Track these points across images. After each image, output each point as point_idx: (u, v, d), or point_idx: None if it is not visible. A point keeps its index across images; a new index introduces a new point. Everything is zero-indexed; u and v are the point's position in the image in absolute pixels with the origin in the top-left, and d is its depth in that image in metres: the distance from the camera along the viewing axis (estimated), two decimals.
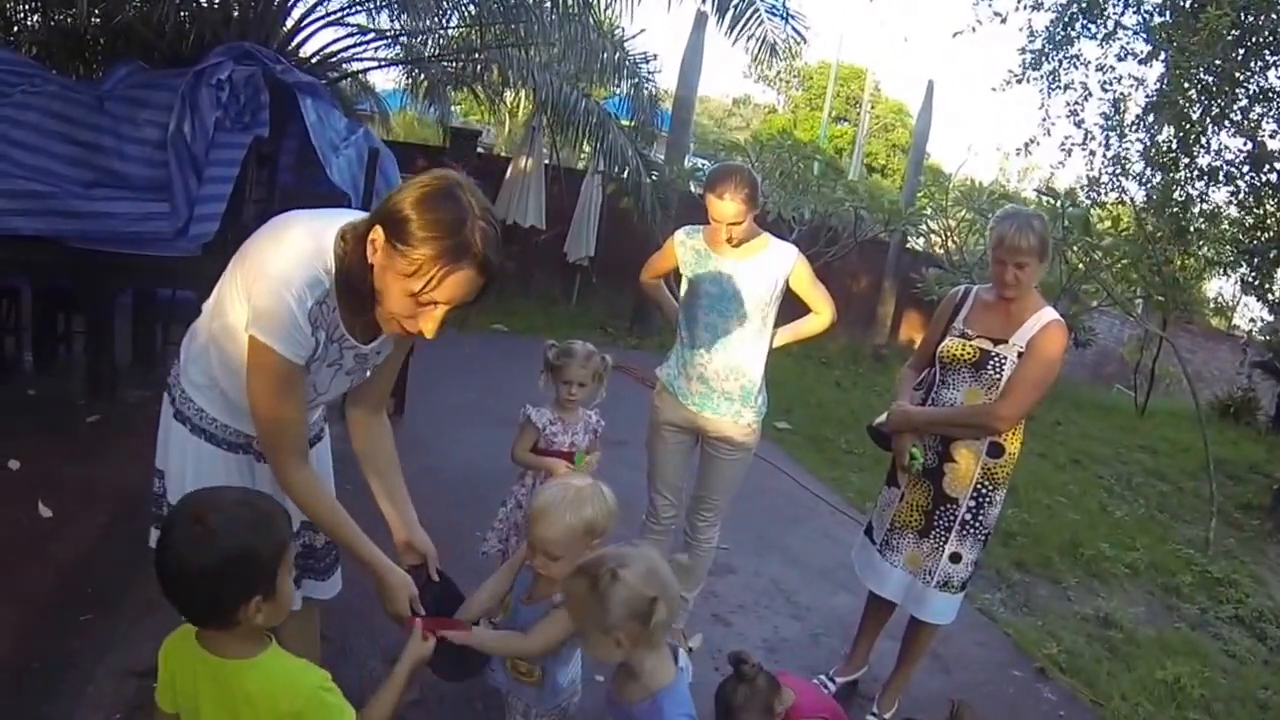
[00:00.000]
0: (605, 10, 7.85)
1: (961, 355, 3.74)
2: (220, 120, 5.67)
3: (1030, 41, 12.20)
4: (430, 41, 9.28)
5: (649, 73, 10.83)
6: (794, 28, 8.55)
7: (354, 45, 8.05)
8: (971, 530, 3.79)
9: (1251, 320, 17.67)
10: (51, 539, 4.30)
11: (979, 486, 3.75)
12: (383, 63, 9.09)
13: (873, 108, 29.76)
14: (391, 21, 8.54)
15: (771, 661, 4.26)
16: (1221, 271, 13.92)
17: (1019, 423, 3.74)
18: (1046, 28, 12.00)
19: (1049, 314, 3.66)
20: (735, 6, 7.87)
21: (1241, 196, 11.79)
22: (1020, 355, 3.62)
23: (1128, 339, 18.41)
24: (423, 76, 10.32)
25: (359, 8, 7.95)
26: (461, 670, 2.58)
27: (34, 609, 3.71)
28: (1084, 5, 11.54)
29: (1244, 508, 9.88)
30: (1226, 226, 12.44)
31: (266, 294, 2.11)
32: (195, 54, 6.43)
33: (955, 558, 3.81)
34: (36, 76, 5.87)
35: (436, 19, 8.27)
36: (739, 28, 8.11)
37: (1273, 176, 11.31)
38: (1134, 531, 8.07)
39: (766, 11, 8.18)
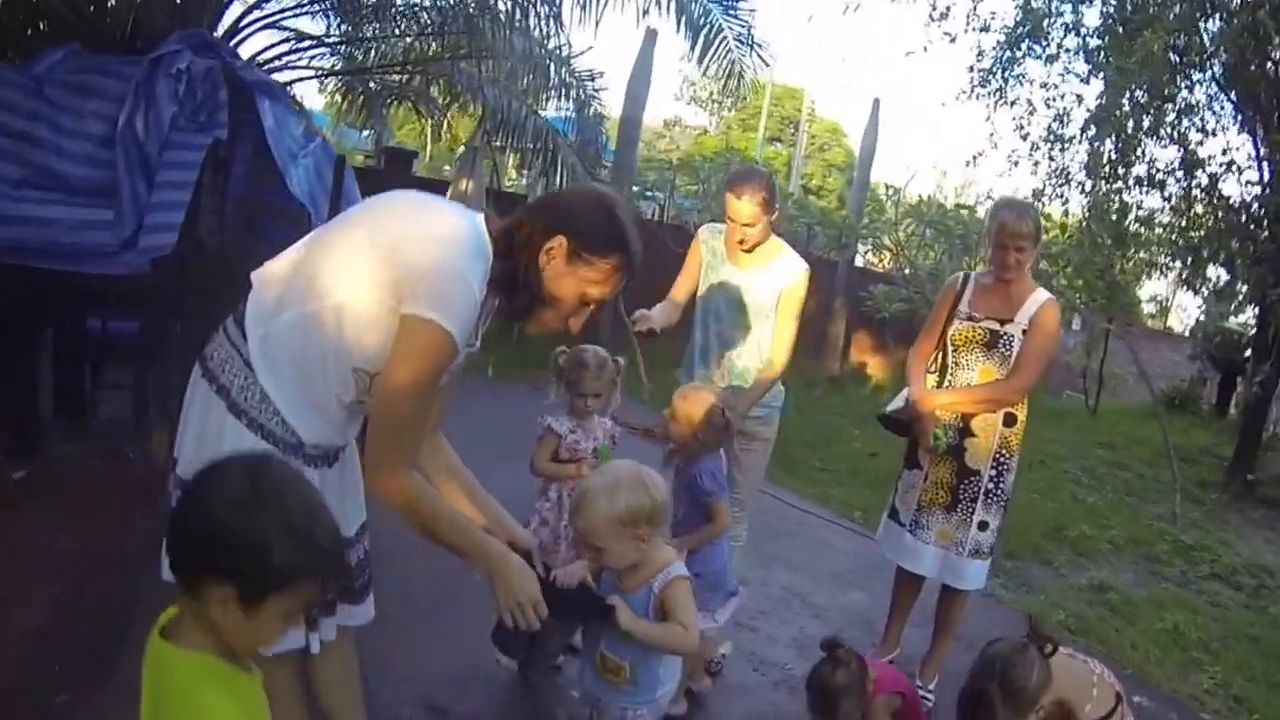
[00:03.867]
0: (555, 24, 7.75)
1: (973, 337, 4.09)
2: (174, 117, 5.13)
3: (979, 60, 12.80)
4: (374, 52, 9.15)
5: (595, 90, 10.79)
6: (759, 55, 8.68)
7: (290, 52, 7.85)
8: (995, 498, 4.11)
9: (1189, 317, 18.54)
10: None
11: (998, 455, 4.09)
12: (320, 73, 8.87)
13: (809, 127, 30.17)
14: (334, 28, 8.36)
15: (804, 659, 4.36)
16: (1159, 272, 14.52)
17: (1029, 392, 4.14)
18: (994, 47, 12.64)
19: (1044, 294, 4.09)
20: (705, 34, 7.97)
21: (1174, 201, 12.57)
22: (1025, 332, 4.01)
23: (1074, 346, 18.92)
24: (360, 92, 10.08)
25: (300, 9, 7.73)
26: (543, 651, 2.54)
27: None
28: (1029, 28, 12.19)
29: (1201, 485, 11.04)
30: (1161, 230, 13.05)
31: (442, 274, 2.12)
32: (126, 47, 5.85)
33: (983, 525, 4.11)
34: None
35: (380, 25, 8.13)
36: (709, 55, 8.18)
37: (1203, 179, 12.15)
38: (1107, 513, 8.83)
39: (734, 39, 8.28)
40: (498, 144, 10.29)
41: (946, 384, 4.18)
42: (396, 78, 9.79)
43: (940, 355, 4.25)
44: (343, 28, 8.47)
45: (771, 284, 4.09)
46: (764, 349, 4.15)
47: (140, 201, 5.04)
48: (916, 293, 12.95)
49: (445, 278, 2.12)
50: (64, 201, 4.97)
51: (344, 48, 9.00)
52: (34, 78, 5.08)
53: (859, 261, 17.24)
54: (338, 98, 10.37)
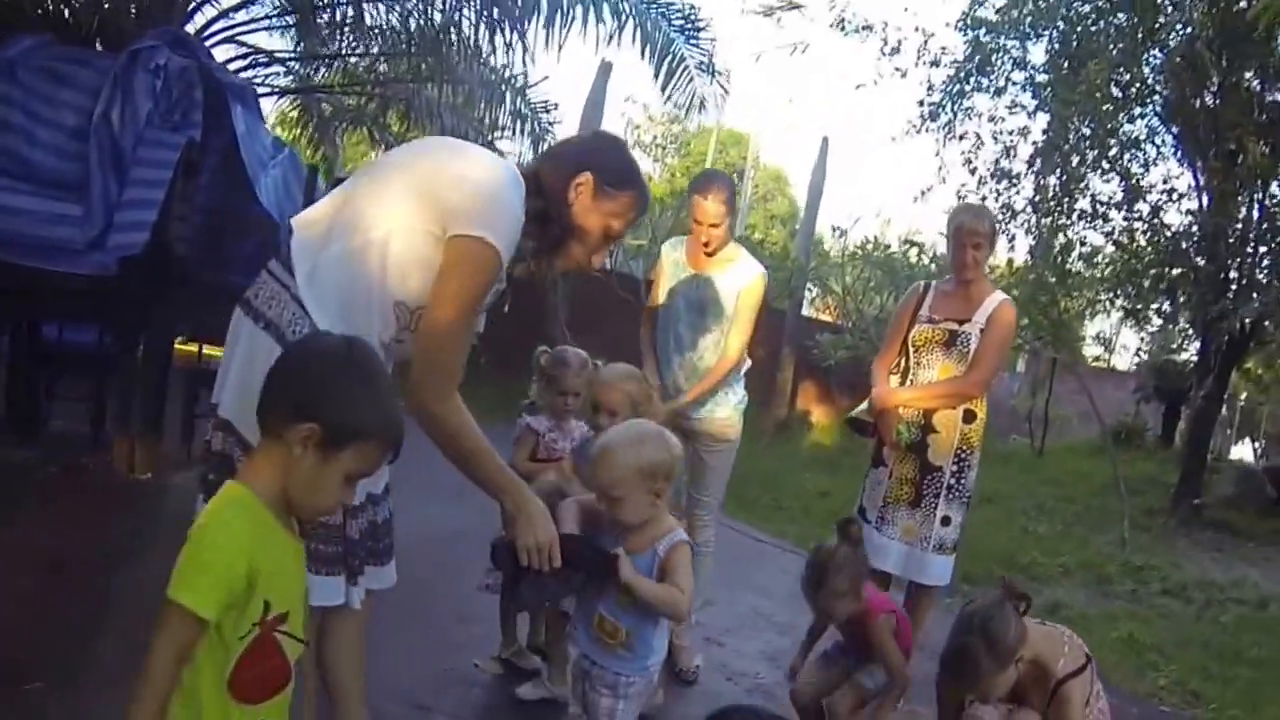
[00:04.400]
0: (521, 47, 7.83)
1: (933, 338, 4.27)
2: (150, 114, 5.12)
3: (929, 94, 13.21)
4: (333, 70, 9.24)
5: (549, 123, 10.82)
6: (719, 84, 8.90)
7: (248, 67, 7.90)
8: (957, 493, 4.23)
9: (1134, 353, 19.10)
10: None
11: (960, 451, 4.22)
12: (276, 90, 8.89)
13: (753, 174, 30.48)
14: (292, 45, 8.40)
15: (774, 668, 4.56)
16: (1103, 309, 14.91)
17: (989, 387, 4.33)
18: (944, 81, 13.06)
19: (1000, 295, 4.32)
20: (668, 63, 8.14)
21: (1117, 235, 13.07)
22: (982, 331, 4.19)
23: (1018, 389, 19.30)
24: (313, 117, 10.08)
25: (260, 24, 7.80)
26: (529, 599, 2.69)
27: None
28: (978, 62, 12.64)
29: (1149, 512, 11.29)
30: (1105, 265, 13.60)
31: (487, 197, 2.29)
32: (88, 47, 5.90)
33: (946, 521, 4.22)
34: None
35: (346, 43, 8.19)
36: (672, 83, 8.36)
37: (1144, 209, 12.67)
38: (1057, 542, 9.07)
39: (696, 68, 8.48)
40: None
41: (909, 383, 4.32)
42: (353, 100, 9.85)
43: (902, 359, 4.39)
44: (301, 46, 8.53)
45: (731, 284, 4.23)
46: (717, 348, 4.29)
47: (110, 199, 5.02)
48: (862, 339, 13.16)
49: (491, 200, 2.29)
50: (33, 192, 4.95)
51: (300, 66, 9.06)
52: (7, 61, 5.06)
53: (806, 309, 17.41)
54: (292, 117, 10.40)
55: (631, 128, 30.84)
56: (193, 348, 6.88)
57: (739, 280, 4.22)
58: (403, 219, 2.28)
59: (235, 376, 2.30)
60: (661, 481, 2.51)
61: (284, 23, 8.15)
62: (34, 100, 5.06)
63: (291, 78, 9.30)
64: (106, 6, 6.40)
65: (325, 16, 7.88)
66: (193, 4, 7.02)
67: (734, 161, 30.80)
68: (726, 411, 4.32)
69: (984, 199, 13.02)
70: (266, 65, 8.36)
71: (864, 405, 4.42)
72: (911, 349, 4.32)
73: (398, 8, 7.29)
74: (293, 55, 8.85)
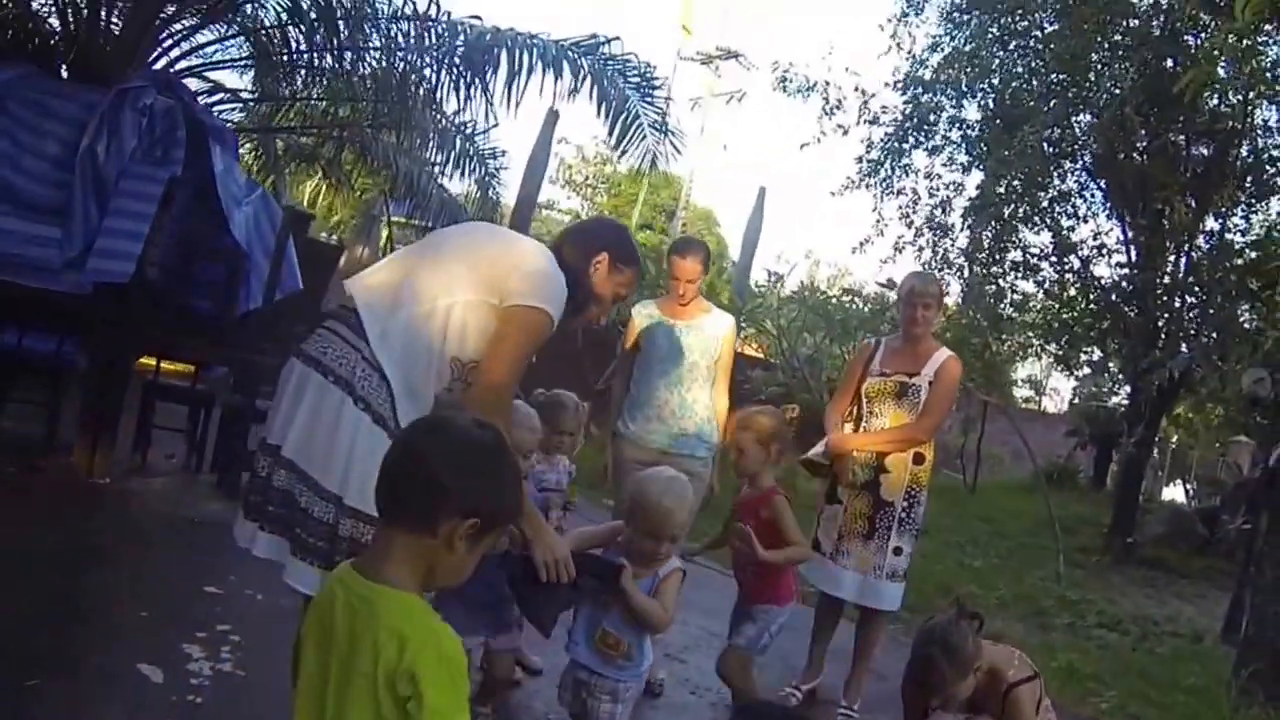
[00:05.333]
0: (484, 99, 8.03)
1: (884, 389, 4.69)
2: (133, 150, 5.45)
3: (868, 152, 13.77)
4: (293, 112, 9.39)
5: (496, 168, 11.14)
6: (672, 141, 9.24)
7: (216, 103, 8.06)
8: (907, 526, 4.62)
9: (1062, 400, 19.65)
10: None
11: (910, 489, 4.62)
12: (232, 125, 9.01)
13: (684, 214, 30.77)
14: (257, 84, 8.57)
15: None
16: (1034, 354, 15.40)
17: (936, 433, 4.82)
18: (883, 139, 13.61)
19: (946, 351, 4.75)
20: (623, 120, 8.40)
21: (1048, 285, 13.77)
22: (931, 383, 4.61)
23: (949, 427, 19.75)
24: (267, 154, 10.20)
25: (225, 63, 8.00)
26: (544, 610, 2.88)
27: None
28: (915, 121, 13.23)
29: (1082, 550, 11.73)
30: (1037, 313, 14.13)
31: (538, 274, 2.84)
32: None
33: (897, 551, 4.60)
34: None
35: (309, 87, 8.37)
36: (626, 138, 8.65)
37: (1075, 263, 13.31)
38: (993, 576, 9.39)
39: (649, 125, 8.76)
40: (409, 216, 10.43)
41: (863, 429, 4.71)
42: (308, 140, 10.05)
43: (855, 408, 4.79)
44: (260, 85, 8.69)
45: (710, 332, 4.68)
46: (708, 385, 4.69)
47: (91, 224, 5.32)
48: (794, 377, 13.51)
49: (546, 276, 2.86)
50: (13, 214, 5.24)
51: (258, 105, 9.20)
52: None
53: (738, 346, 17.60)
54: (248, 156, 10.50)
55: (564, 167, 31.12)
56: (150, 361, 7.06)
57: (719, 329, 4.70)
58: (464, 292, 2.78)
59: (302, 423, 2.66)
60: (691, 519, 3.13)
61: (245, 62, 8.34)
62: (19, 129, 5.37)
63: (246, 115, 9.51)
64: (83, 39, 6.66)
65: (285, 58, 8.04)
66: (163, 35, 7.24)
67: (664, 202, 31.06)
68: (704, 450, 4.66)
69: (920, 249, 13.63)
70: (227, 102, 8.52)
71: (819, 448, 4.80)
72: (865, 399, 4.72)
73: (365, 56, 7.47)
74: (252, 94, 9.03)
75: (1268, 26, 8.85)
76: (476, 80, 7.52)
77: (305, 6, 7.17)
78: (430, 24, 7.44)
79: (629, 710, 2.98)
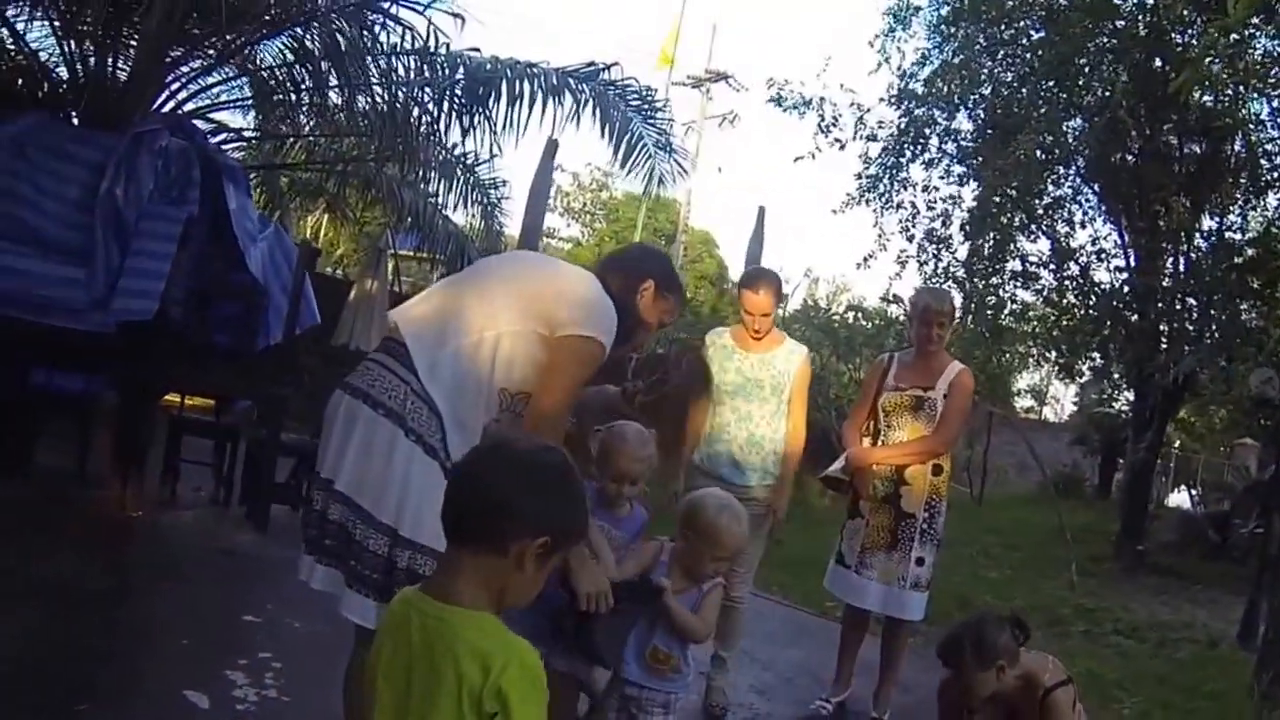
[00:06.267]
0: (488, 129, 8.11)
1: (901, 404, 4.79)
2: (150, 191, 5.60)
3: (865, 168, 13.80)
4: (292, 148, 9.53)
5: (498, 198, 11.26)
6: (676, 160, 9.32)
7: (218, 142, 8.13)
8: (929, 536, 4.74)
9: (1063, 409, 19.70)
10: None
11: (929, 500, 4.74)
12: (241, 164, 9.14)
13: (684, 238, 30.86)
14: (259, 122, 8.74)
15: (765, 700, 5.03)
16: (1035, 363, 15.43)
17: (953, 445, 4.99)
18: (880, 154, 13.65)
19: (958, 365, 4.89)
20: (627, 141, 8.52)
21: (1047, 293, 13.79)
22: (945, 396, 4.71)
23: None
24: (265, 188, 10.29)
25: (230, 104, 8.18)
26: (604, 651, 2.94)
27: (12, 709, 3.46)
28: (911, 135, 13.29)
29: (1093, 559, 11.76)
30: (1036, 322, 14.25)
31: (588, 303, 2.91)
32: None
33: (920, 561, 4.73)
34: None
35: (314, 124, 8.48)
36: (631, 159, 8.73)
37: (1074, 269, 13.34)
38: (1008, 587, 9.52)
39: (653, 145, 8.87)
40: (415, 249, 10.51)
41: (880, 444, 4.82)
42: (310, 175, 10.17)
43: (873, 422, 4.89)
44: (262, 123, 8.83)
45: (783, 364, 4.76)
46: (778, 419, 4.76)
47: (113, 265, 5.46)
48: None
49: (596, 305, 2.92)
50: (37, 256, 5.39)
51: (261, 143, 9.33)
52: (15, 138, 5.51)
53: None
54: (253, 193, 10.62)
55: (561, 195, 31.28)
56: (175, 398, 7.24)
57: (793, 361, 4.77)
58: (511, 323, 2.83)
59: (354, 457, 2.71)
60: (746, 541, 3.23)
61: (247, 103, 8.51)
62: (40, 174, 5.51)
63: (249, 153, 9.62)
64: (92, 87, 6.83)
65: (288, 98, 8.16)
66: (169, 78, 7.38)
67: (662, 226, 31.22)
68: (771, 480, 4.75)
69: (922, 263, 13.65)
70: (231, 141, 8.60)
71: (838, 464, 4.90)
72: (882, 414, 4.82)
73: (368, 92, 7.57)
74: (255, 133, 9.15)
75: (1256, 20, 9.02)
76: (479, 110, 7.63)
77: (310, 46, 7.31)
78: (431, 57, 7.55)
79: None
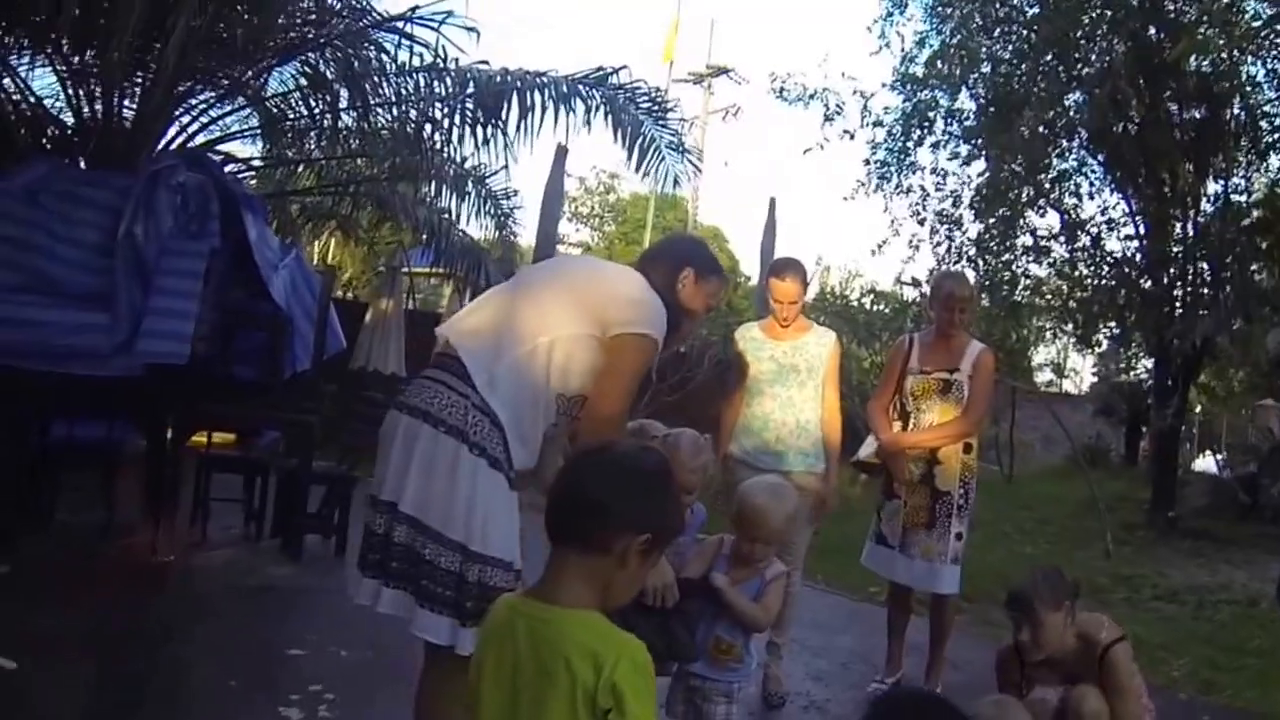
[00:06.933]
0: (503, 139, 8.15)
1: (929, 387, 4.95)
2: (170, 228, 5.55)
3: (874, 154, 13.99)
4: (303, 172, 9.64)
5: (510, 208, 11.25)
6: (690, 160, 9.38)
7: (229, 172, 8.22)
8: (964, 511, 4.93)
9: (1082, 381, 19.70)
10: (34, 691, 4.02)
11: (963, 477, 4.92)
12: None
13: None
14: (268, 149, 8.85)
15: (821, 686, 5.14)
16: (1051, 336, 15.48)
17: (982, 424, 5.28)
18: (885, 138, 13.83)
19: (979, 344, 5.05)
20: (640, 145, 8.55)
21: (1059, 266, 13.87)
22: (970, 377, 4.88)
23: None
24: (276, 214, 10.34)
25: (240, 134, 8.31)
26: (691, 626, 3.00)
27: None
28: (916, 119, 13.42)
29: (1126, 527, 11.83)
30: (1051, 296, 14.23)
31: (639, 301, 2.94)
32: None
33: (959, 536, 4.90)
34: None
35: (310, 148, 8.56)
36: (645, 162, 8.76)
37: (1085, 240, 13.44)
38: (1045, 561, 9.28)
39: (667, 148, 8.92)
40: (431, 265, 10.56)
41: (911, 427, 4.98)
42: (320, 198, 10.22)
43: (900, 405, 5.06)
44: (275, 150, 8.91)
45: (815, 349, 4.87)
46: (817, 403, 4.85)
47: (136, 307, 5.37)
48: None
49: (646, 302, 2.94)
50: (58, 305, 5.31)
51: (273, 171, 9.46)
52: (28, 188, 5.49)
53: None
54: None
55: (568, 200, 31.35)
56: (202, 438, 7.21)
57: (823, 346, 4.87)
58: (565, 328, 2.85)
59: (417, 476, 2.72)
60: (794, 521, 3.30)
61: (256, 131, 8.60)
62: (53, 220, 5.44)
63: (259, 181, 9.67)
64: (100, 129, 6.89)
65: (299, 123, 8.24)
66: (178, 110, 7.44)
67: (671, 225, 31.33)
68: (820, 466, 4.84)
69: (936, 245, 13.78)
70: (240, 172, 8.66)
71: (869, 447, 5.09)
72: (910, 397, 4.99)
73: (378, 112, 7.64)
74: (264, 161, 9.24)
75: None
76: (492, 122, 7.67)
77: (324, 71, 7.39)
78: (442, 73, 7.61)
79: (743, 710, 3.24)
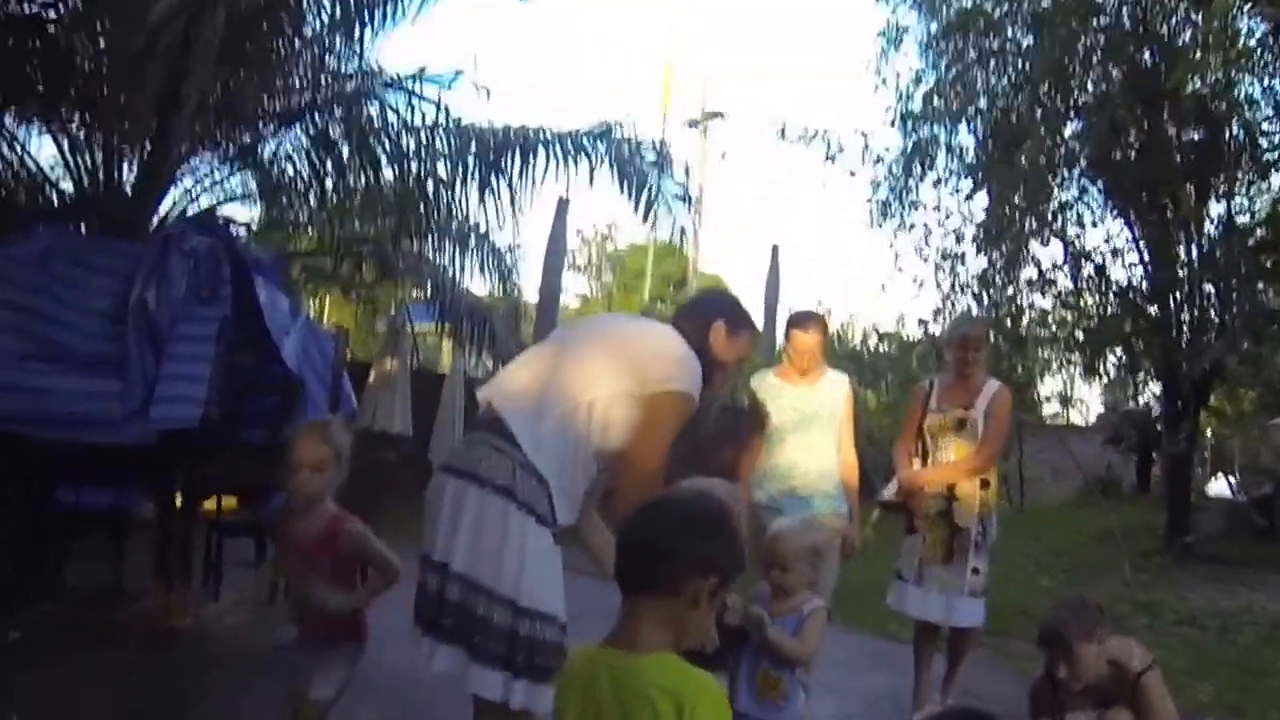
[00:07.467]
0: (510, 192, 8.21)
1: (945, 425, 5.16)
2: (182, 293, 5.57)
3: (875, 193, 14.03)
4: (307, 235, 9.73)
5: (513, 262, 11.11)
6: (697, 211, 9.38)
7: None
8: (982, 546, 5.09)
9: (1089, 412, 19.64)
10: None
11: (980, 513, 5.09)
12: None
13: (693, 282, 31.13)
14: (268, 213, 8.90)
15: None
16: (1058, 368, 15.49)
17: (997, 460, 5.44)
18: (887, 177, 13.86)
19: (995, 383, 5.27)
20: (645, 196, 8.56)
21: (1064, 297, 13.82)
22: (986, 415, 5.06)
23: None
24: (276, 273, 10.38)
25: (241, 198, 8.35)
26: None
27: None
28: (917, 157, 13.47)
29: (1142, 555, 11.66)
30: (1056, 327, 14.26)
31: (676, 358, 3.05)
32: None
33: (975, 571, 5.04)
34: None
35: (312, 209, 8.63)
36: (651, 213, 8.72)
37: (1090, 270, 13.43)
38: (1065, 591, 9.31)
39: (673, 198, 8.89)
40: (436, 322, 10.55)
41: (930, 464, 5.19)
42: (319, 257, 10.24)
43: (920, 444, 5.26)
44: (276, 213, 8.95)
45: (829, 393, 4.99)
46: (831, 449, 4.95)
47: (148, 373, 5.40)
48: None
49: (683, 360, 3.05)
50: (65, 372, 5.31)
51: (273, 234, 9.53)
52: (38, 253, 5.55)
53: None
54: None
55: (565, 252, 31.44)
56: (211, 503, 7.24)
57: (838, 390, 5.00)
58: (606, 386, 2.95)
59: (466, 536, 2.82)
60: (821, 559, 3.39)
61: (257, 195, 8.60)
62: (63, 287, 5.46)
63: (259, 243, 9.64)
64: (101, 197, 6.98)
65: (304, 185, 8.29)
66: (179, 174, 7.53)
67: (670, 273, 31.46)
68: (844, 509, 4.94)
69: (939, 284, 13.80)
70: (243, 236, 8.72)
71: (891, 488, 5.26)
72: (929, 436, 5.20)
73: (380, 171, 7.70)
74: (264, 225, 9.30)
75: (1247, 6, 9.20)
76: (496, 178, 7.75)
77: (332, 135, 7.47)
78: (447, 130, 7.72)
79: None
